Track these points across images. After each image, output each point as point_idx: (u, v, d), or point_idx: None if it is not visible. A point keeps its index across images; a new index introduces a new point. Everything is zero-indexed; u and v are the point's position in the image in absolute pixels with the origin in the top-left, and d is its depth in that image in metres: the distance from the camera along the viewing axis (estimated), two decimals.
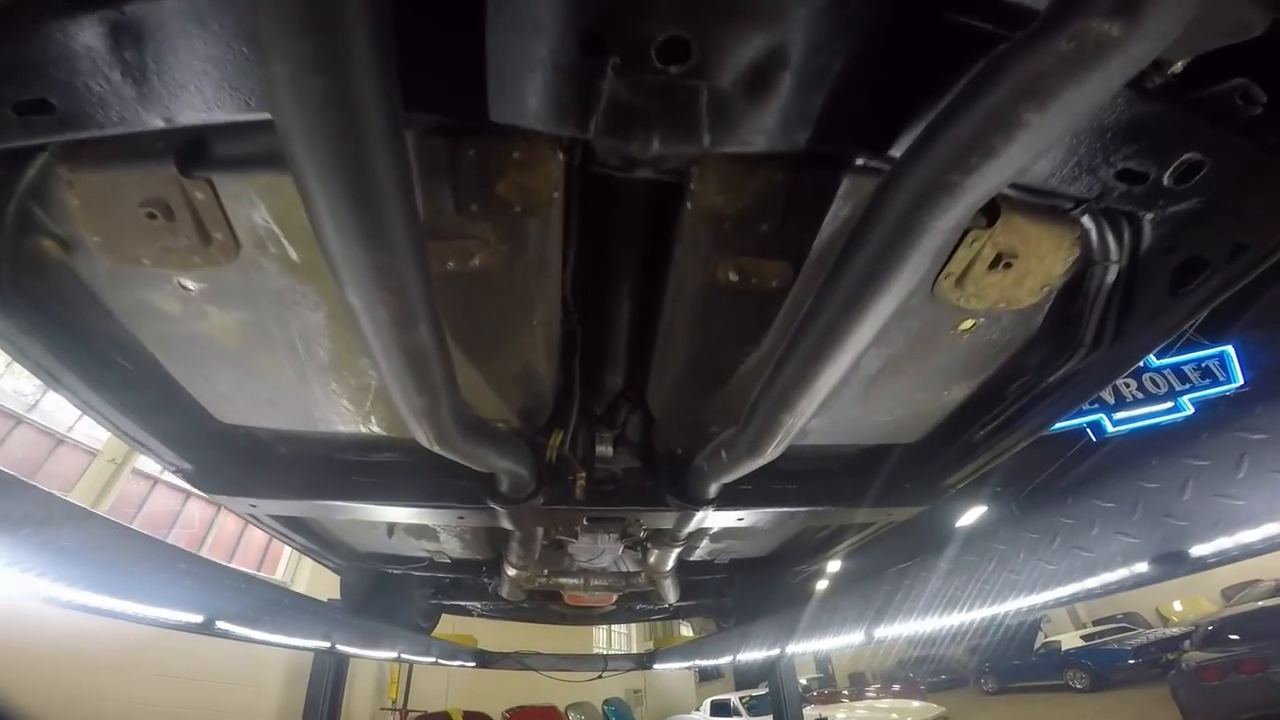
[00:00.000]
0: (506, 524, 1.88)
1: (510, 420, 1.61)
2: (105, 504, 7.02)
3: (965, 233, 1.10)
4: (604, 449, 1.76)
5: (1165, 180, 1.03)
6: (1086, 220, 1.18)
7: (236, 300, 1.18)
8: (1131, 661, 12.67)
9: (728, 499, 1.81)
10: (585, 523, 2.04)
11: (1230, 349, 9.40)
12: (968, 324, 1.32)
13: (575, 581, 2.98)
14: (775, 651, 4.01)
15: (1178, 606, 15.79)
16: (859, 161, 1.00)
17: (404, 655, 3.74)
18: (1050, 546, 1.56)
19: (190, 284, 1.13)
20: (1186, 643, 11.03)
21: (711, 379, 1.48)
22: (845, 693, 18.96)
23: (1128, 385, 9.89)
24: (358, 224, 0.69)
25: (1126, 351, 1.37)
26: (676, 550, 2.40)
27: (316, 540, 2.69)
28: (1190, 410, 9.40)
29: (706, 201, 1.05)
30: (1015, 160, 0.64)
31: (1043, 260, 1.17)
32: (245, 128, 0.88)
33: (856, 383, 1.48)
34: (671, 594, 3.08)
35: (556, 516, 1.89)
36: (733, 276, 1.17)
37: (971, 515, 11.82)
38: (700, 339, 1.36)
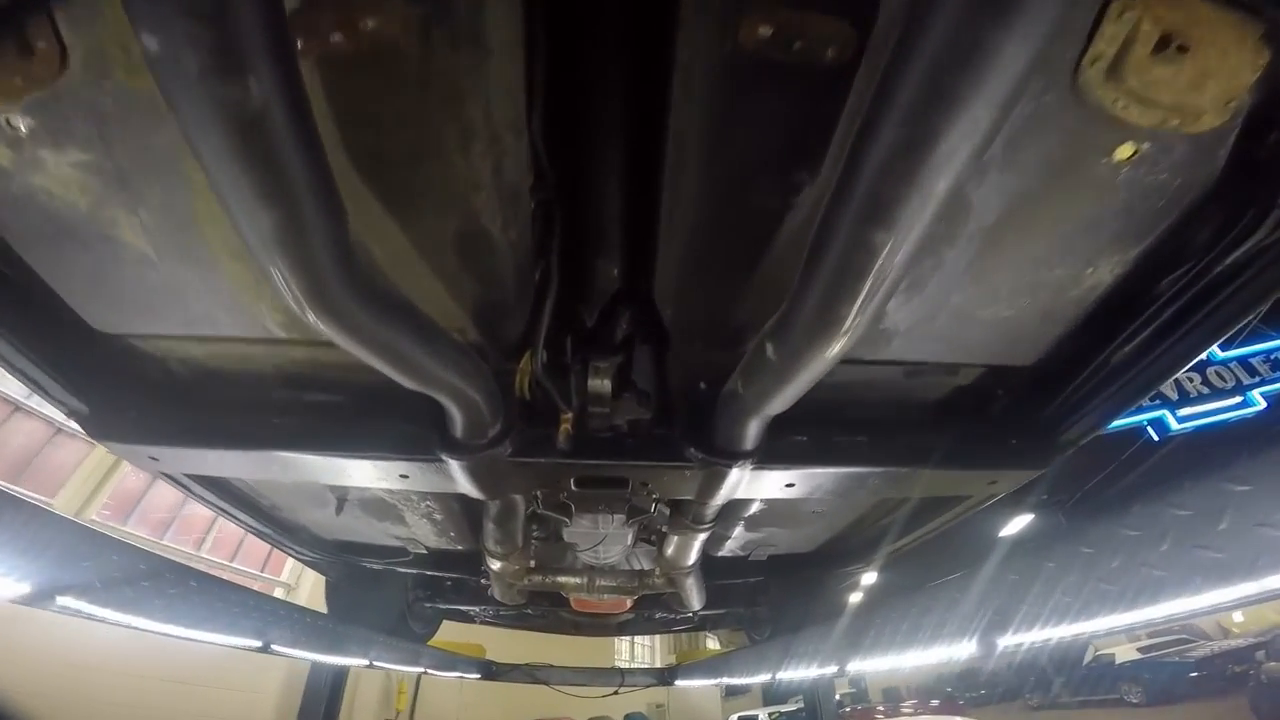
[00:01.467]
0: (465, 484, 1.41)
1: (465, 329, 1.18)
2: (102, 496, 6.78)
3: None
4: (599, 384, 1.29)
5: None
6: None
7: (69, 135, 0.91)
8: (1194, 674, 12.32)
9: (773, 454, 1.33)
10: (574, 488, 1.54)
11: None
12: (1126, 150, 0.91)
13: (577, 581, 2.50)
14: (818, 671, 3.48)
15: (1238, 617, 14.90)
16: None
17: (378, 663, 3.25)
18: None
19: (19, 121, 0.89)
20: (1260, 653, 10.37)
21: (746, 244, 1.02)
22: (880, 708, 18.11)
23: (1190, 380, 9.37)
24: None
25: None
26: (700, 537, 1.91)
27: (267, 520, 2.26)
28: (1261, 405, 8.77)
29: None
30: None
31: (1225, 57, 0.80)
32: None
33: (967, 240, 1.01)
34: (695, 598, 2.58)
35: (532, 475, 1.41)
36: (764, 32, 0.76)
37: (1015, 524, 11.04)
38: (726, 163, 0.90)
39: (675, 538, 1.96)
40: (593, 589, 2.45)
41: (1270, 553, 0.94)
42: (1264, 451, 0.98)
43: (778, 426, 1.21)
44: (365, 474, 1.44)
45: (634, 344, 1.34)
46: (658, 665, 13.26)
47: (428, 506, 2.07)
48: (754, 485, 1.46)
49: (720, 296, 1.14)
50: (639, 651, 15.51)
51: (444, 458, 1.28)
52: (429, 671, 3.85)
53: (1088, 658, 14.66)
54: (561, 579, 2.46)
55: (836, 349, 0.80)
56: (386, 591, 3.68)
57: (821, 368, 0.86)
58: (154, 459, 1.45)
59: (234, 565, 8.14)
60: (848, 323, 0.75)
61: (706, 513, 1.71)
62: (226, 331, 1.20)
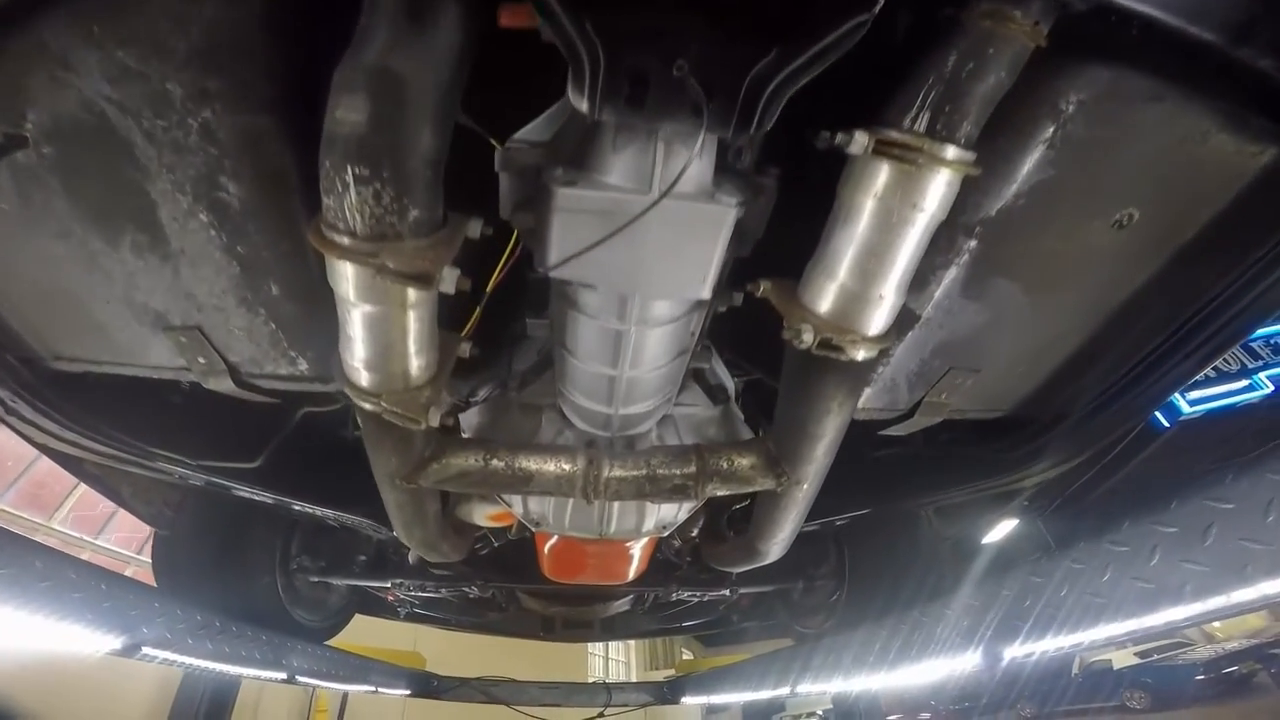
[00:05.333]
0: None
1: None
2: None
3: None
4: None
5: None
6: None
7: None
8: (1200, 677, 12.18)
9: None
10: None
11: None
12: None
13: (565, 468, 1.11)
14: (878, 679, 2.27)
15: (1216, 623, 14.92)
16: None
17: (200, 661, 1.81)
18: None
19: None
20: None
21: None
22: None
23: None
24: None
25: None
26: (947, 190, 0.77)
27: None
28: (1269, 388, 9.02)
29: None
30: None
31: None
32: None
33: None
34: (792, 518, 1.24)
35: None
36: None
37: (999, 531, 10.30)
38: None
39: (864, 168, 0.78)
40: (597, 488, 1.12)
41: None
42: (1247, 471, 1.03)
43: None
44: None
45: None
46: (634, 680, 11.69)
47: (202, 146, 0.82)
48: None
49: None
50: (613, 669, 13.87)
51: None
52: (299, 680, 2.46)
53: (1075, 669, 14.43)
54: (535, 465, 1.11)
55: None
56: (246, 553, 2.34)
57: None
58: None
59: (97, 544, 6.39)
60: None
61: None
62: None
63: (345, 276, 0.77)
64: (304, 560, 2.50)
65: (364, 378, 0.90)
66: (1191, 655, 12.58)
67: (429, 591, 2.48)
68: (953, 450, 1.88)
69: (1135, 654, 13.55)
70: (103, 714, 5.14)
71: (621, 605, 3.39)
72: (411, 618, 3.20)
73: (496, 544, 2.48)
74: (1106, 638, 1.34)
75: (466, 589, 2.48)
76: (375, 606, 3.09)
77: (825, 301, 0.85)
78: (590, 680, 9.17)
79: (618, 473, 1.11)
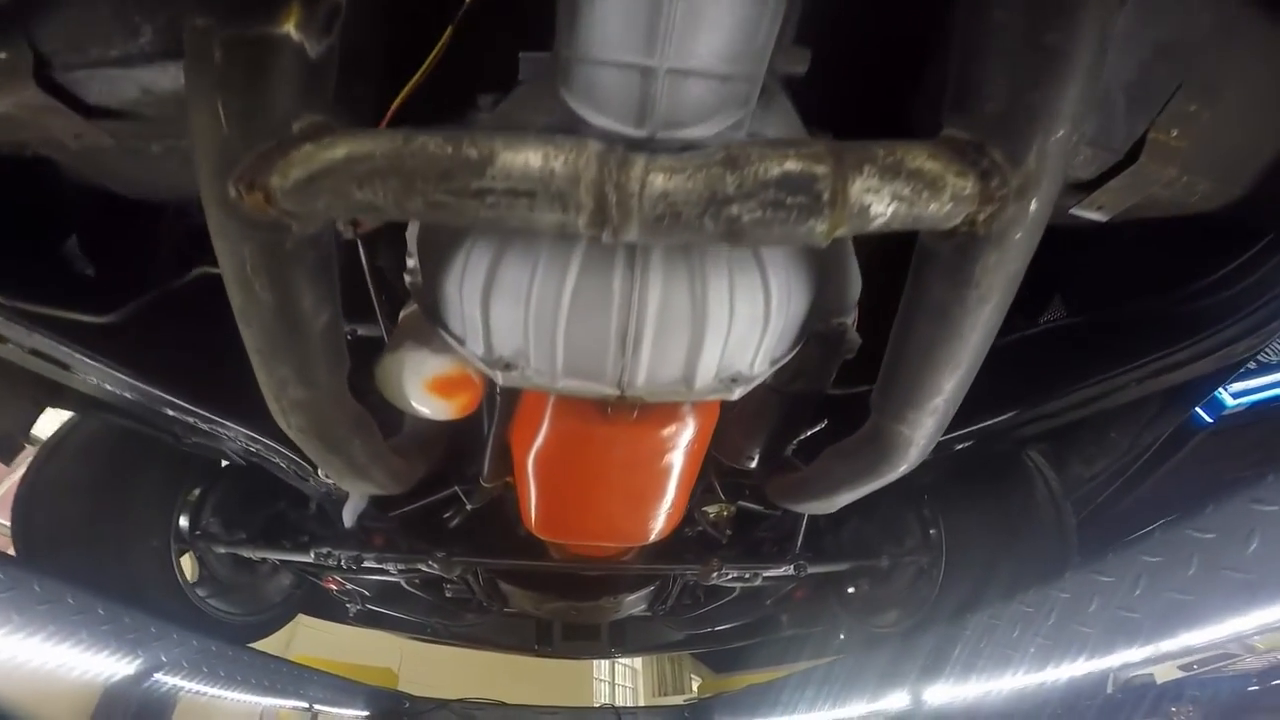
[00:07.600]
0: None
1: None
2: None
3: None
4: None
5: None
6: None
7: None
8: (1254, 688, 11.43)
9: None
10: None
11: None
12: None
13: (552, 155, 0.49)
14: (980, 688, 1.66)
15: (1256, 636, 14.35)
16: None
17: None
18: None
19: None
20: None
21: None
22: None
23: None
24: None
25: None
26: None
27: None
28: None
29: None
30: None
31: None
32: None
33: None
34: (977, 318, 0.63)
35: None
36: None
37: None
38: None
39: None
40: (625, 193, 0.46)
41: None
42: None
43: None
44: None
45: None
46: (642, 705, 10.71)
47: None
48: None
49: None
50: (620, 695, 12.86)
51: None
52: (161, 679, 1.78)
53: (1110, 686, 13.64)
54: (500, 145, 0.46)
55: None
56: (128, 507, 1.77)
57: None
58: None
59: None
60: None
61: None
62: None
63: None
64: (213, 525, 1.86)
65: None
66: (1241, 666, 11.97)
67: (371, 570, 1.82)
68: (1125, 315, 1.33)
69: (1178, 667, 12.90)
70: None
71: (637, 602, 2.70)
72: (364, 618, 2.51)
73: (470, 507, 1.84)
74: None
75: (425, 567, 1.81)
76: (321, 605, 2.42)
77: None
78: (596, 705, 8.35)
79: (666, 163, 0.49)
